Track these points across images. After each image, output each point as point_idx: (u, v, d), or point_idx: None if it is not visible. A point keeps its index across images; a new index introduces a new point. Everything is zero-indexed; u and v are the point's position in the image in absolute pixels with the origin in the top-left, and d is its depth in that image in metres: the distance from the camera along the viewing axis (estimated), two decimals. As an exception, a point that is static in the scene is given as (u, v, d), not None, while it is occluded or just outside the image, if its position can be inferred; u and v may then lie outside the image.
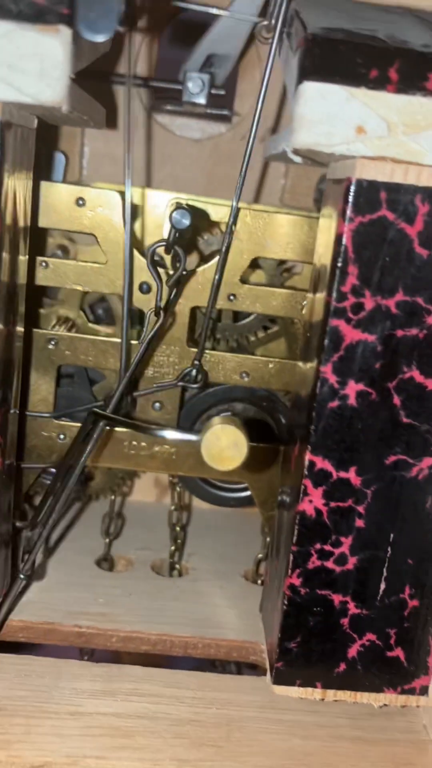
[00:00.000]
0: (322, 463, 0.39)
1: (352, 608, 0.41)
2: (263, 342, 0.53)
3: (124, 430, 0.50)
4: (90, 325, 0.52)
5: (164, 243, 0.45)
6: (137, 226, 0.51)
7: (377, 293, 0.37)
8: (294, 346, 0.53)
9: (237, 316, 0.53)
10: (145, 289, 0.48)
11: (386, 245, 0.37)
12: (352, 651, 0.42)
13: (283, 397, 0.53)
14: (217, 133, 0.61)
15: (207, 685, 0.44)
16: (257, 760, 0.39)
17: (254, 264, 0.51)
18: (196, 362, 0.49)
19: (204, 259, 0.51)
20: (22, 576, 0.46)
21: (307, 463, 0.39)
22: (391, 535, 0.41)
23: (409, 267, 0.37)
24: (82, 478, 0.56)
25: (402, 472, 0.40)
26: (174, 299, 0.48)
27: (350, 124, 0.35)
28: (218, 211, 0.50)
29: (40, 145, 0.44)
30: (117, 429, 0.50)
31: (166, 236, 0.45)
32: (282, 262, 0.52)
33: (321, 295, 0.39)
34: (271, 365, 0.50)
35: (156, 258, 0.46)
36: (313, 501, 0.40)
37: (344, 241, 0.36)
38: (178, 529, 0.58)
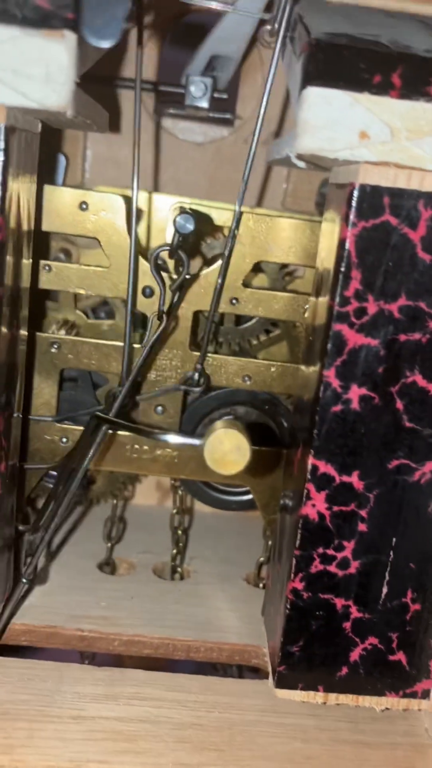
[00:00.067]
0: (325, 467, 0.39)
1: (355, 612, 0.41)
2: (265, 345, 0.53)
3: (126, 433, 0.50)
4: (90, 322, 0.52)
5: (168, 247, 0.45)
6: (140, 229, 0.51)
7: (380, 298, 0.37)
8: (296, 350, 0.53)
9: (239, 319, 0.53)
10: (148, 293, 0.48)
11: (389, 250, 0.37)
12: (355, 655, 0.42)
13: (285, 400, 0.53)
14: (219, 136, 0.61)
15: (209, 688, 0.44)
16: (259, 764, 0.39)
17: (257, 268, 0.51)
18: (198, 366, 0.49)
19: (207, 262, 0.51)
20: (24, 580, 0.46)
21: (310, 467, 0.39)
22: (394, 539, 0.41)
23: (412, 272, 0.37)
24: (84, 482, 0.56)
25: (405, 476, 0.40)
26: (177, 303, 0.48)
27: (354, 129, 0.35)
28: (221, 215, 0.50)
29: (43, 148, 0.44)
30: (119, 432, 0.50)
31: (169, 240, 0.46)
32: (284, 265, 0.52)
33: (324, 300, 0.39)
34: (273, 369, 0.50)
35: (159, 262, 0.46)
36: (316, 505, 0.40)
37: (347, 245, 0.37)
38: (179, 532, 0.58)
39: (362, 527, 0.40)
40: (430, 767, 0.41)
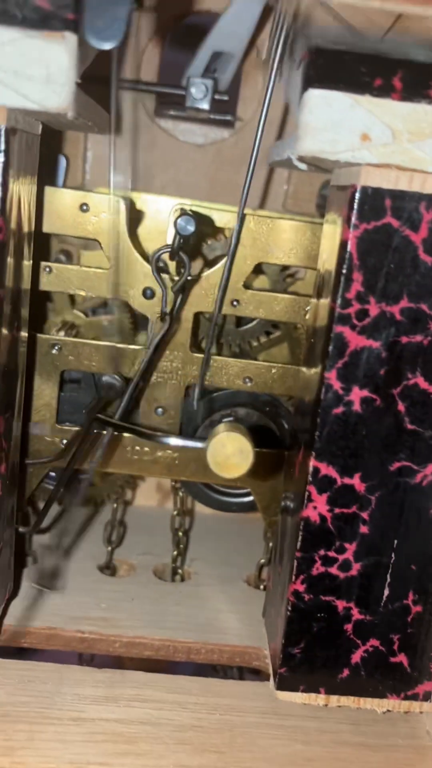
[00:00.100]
0: (327, 469, 0.39)
1: (356, 614, 0.41)
2: (266, 347, 0.53)
3: (126, 435, 0.50)
4: (89, 319, 0.52)
5: (169, 249, 0.45)
6: (141, 231, 0.51)
7: (382, 300, 0.37)
8: (297, 351, 0.53)
9: (240, 321, 0.53)
10: (149, 294, 0.48)
11: (391, 252, 0.37)
12: (356, 657, 0.42)
13: (285, 402, 0.53)
14: (219, 138, 0.61)
15: (210, 690, 0.44)
16: (260, 766, 0.39)
17: (258, 269, 0.51)
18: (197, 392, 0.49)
19: (208, 264, 0.51)
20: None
21: (311, 469, 0.39)
22: (395, 542, 0.41)
23: (414, 274, 0.37)
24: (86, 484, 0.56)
25: (406, 478, 0.40)
26: (181, 305, 0.48)
27: (355, 131, 0.35)
28: (222, 217, 0.50)
29: (44, 149, 0.44)
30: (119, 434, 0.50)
31: (169, 242, 0.45)
32: (285, 267, 0.52)
33: (325, 301, 0.39)
34: (274, 370, 0.50)
35: (160, 264, 0.46)
36: (318, 507, 0.40)
37: (349, 247, 0.37)
38: (180, 534, 0.58)
39: (364, 529, 0.40)
40: (431, 769, 0.41)
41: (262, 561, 0.56)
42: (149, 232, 0.51)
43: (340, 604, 0.41)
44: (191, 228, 0.43)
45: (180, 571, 0.56)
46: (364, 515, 0.40)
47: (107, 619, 0.49)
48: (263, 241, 0.48)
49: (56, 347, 0.49)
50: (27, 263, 0.43)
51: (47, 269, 0.48)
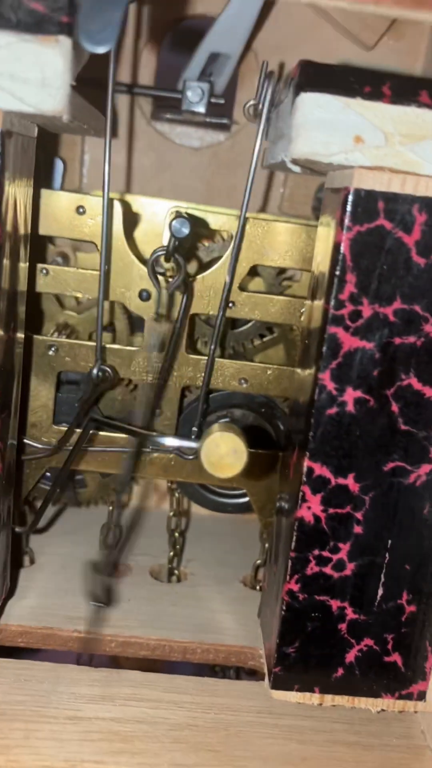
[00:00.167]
0: (321, 470, 0.40)
1: (350, 614, 0.42)
2: (260, 349, 0.54)
3: (122, 435, 0.50)
4: (82, 315, 0.52)
5: (164, 251, 0.45)
6: (137, 233, 0.51)
7: (375, 301, 0.38)
8: (292, 353, 0.53)
9: (235, 323, 0.54)
10: (144, 296, 0.49)
11: (384, 254, 0.37)
12: (350, 656, 0.42)
13: (281, 403, 0.53)
14: (216, 141, 0.61)
15: (205, 690, 0.44)
16: (255, 765, 0.39)
17: (254, 272, 0.51)
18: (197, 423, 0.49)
19: (203, 266, 0.52)
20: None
21: (305, 469, 0.40)
22: (389, 541, 0.41)
23: (407, 275, 0.37)
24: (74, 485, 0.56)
25: (400, 478, 0.40)
26: (187, 305, 0.48)
27: (348, 133, 0.35)
28: (217, 220, 0.50)
29: (40, 152, 0.44)
30: (116, 435, 0.50)
31: (165, 244, 0.46)
32: (282, 271, 0.53)
33: (319, 303, 0.39)
34: (269, 372, 0.50)
35: (156, 266, 0.47)
36: (312, 507, 0.40)
37: (342, 249, 0.37)
38: (176, 534, 0.58)
39: (358, 529, 0.41)
40: (426, 768, 0.41)
41: (258, 562, 0.56)
42: (146, 235, 0.51)
43: (335, 604, 0.41)
44: (186, 230, 0.43)
45: (176, 571, 0.56)
46: (358, 515, 0.40)
47: (104, 619, 0.49)
48: (258, 244, 0.48)
49: (53, 348, 0.49)
50: (23, 265, 0.43)
51: (44, 271, 0.49)
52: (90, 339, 0.52)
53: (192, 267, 0.51)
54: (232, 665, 0.50)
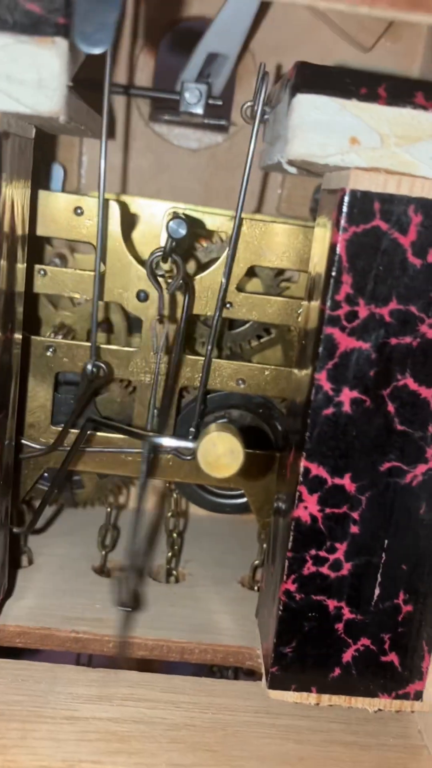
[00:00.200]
0: (317, 470, 0.40)
1: (347, 613, 0.42)
2: (257, 350, 0.54)
3: (120, 436, 0.50)
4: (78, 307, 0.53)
5: (161, 252, 0.45)
6: (135, 235, 0.51)
7: (371, 302, 0.38)
8: (290, 354, 0.53)
9: (232, 323, 0.54)
10: (142, 297, 0.49)
11: (380, 255, 0.37)
12: (347, 656, 0.42)
13: (279, 404, 0.53)
14: (214, 143, 0.61)
15: (203, 690, 0.44)
16: (252, 765, 0.39)
17: (252, 273, 0.52)
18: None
19: (201, 267, 0.52)
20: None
21: (302, 469, 0.40)
22: (386, 541, 0.41)
23: (403, 276, 0.37)
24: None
25: (396, 478, 0.40)
26: (189, 305, 0.48)
27: (344, 135, 0.35)
28: (215, 221, 0.51)
29: (39, 154, 0.44)
30: (114, 435, 0.50)
31: (162, 245, 0.46)
32: (280, 272, 0.53)
33: (316, 304, 0.40)
34: (267, 372, 0.51)
35: (154, 268, 0.47)
36: (308, 507, 0.40)
37: (338, 250, 0.37)
38: (174, 535, 0.58)
39: (354, 529, 0.41)
40: (423, 768, 0.41)
41: (256, 562, 0.56)
42: (144, 236, 0.51)
43: (331, 604, 0.41)
44: (183, 231, 0.43)
45: (174, 572, 0.57)
46: (355, 515, 0.40)
47: (102, 620, 0.49)
48: (256, 245, 0.48)
49: (51, 349, 0.49)
50: (21, 266, 0.43)
51: (42, 272, 0.49)
52: (87, 337, 0.52)
53: (190, 268, 0.52)
54: (230, 665, 0.50)
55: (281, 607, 0.42)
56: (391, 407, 0.39)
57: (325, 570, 0.41)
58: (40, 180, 0.52)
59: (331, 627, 0.42)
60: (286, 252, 0.48)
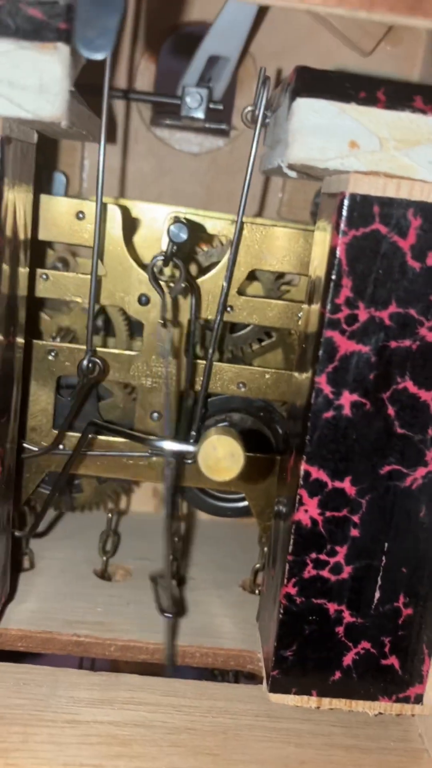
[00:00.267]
0: (317, 473, 0.40)
1: (347, 617, 0.42)
2: (259, 353, 0.54)
3: (122, 440, 0.50)
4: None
5: (162, 256, 0.46)
6: (137, 239, 0.51)
7: (371, 305, 0.38)
8: (291, 357, 0.53)
9: (233, 327, 0.54)
10: (143, 301, 0.49)
11: (379, 258, 0.37)
12: (347, 659, 0.42)
13: (279, 407, 0.53)
14: (215, 147, 0.61)
15: (204, 693, 0.44)
16: (253, 768, 0.40)
17: (252, 276, 0.52)
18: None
19: (202, 271, 0.52)
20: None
21: (302, 473, 0.40)
22: (386, 545, 0.41)
23: (402, 279, 0.37)
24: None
25: (396, 481, 0.40)
26: (197, 309, 0.48)
27: (343, 138, 0.35)
28: (216, 224, 0.51)
29: (41, 159, 0.45)
30: (115, 439, 0.50)
31: (164, 249, 0.46)
32: (280, 275, 0.53)
33: (316, 307, 0.40)
34: (267, 376, 0.51)
35: (156, 272, 0.47)
36: (309, 511, 0.40)
37: (338, 254, 0.37)
38: (176, 539, 0.58)
39: (354, 532, 0.41)
40: (424, 772, 0.41)
41: (257, 566, 0.56)
42: (145, 240, 0.51)
43: (332, 607, 0.41)
44: (184, 235, 0.43)
45: (176, 576, 0.57)
46: (355, 518, 0.40)
47: (103, 623, 0.49)
48: (257, 249, 0.48)
49: (52, 353, 0.49)
50: (23, 270, 0.43)
51: (44, 276, 0.49)
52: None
53: (191, 272, 0.52)
54: (231, 669, 0.50)
55: (282, 611, 0.42)
56: (391, 410, 0.39)
57: (325, 573, 0.41)
58: (42, 185, 0.52)
59: (331, 630, 0.42)
60: (287, 256, 0.49)
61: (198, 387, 0.50)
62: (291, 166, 0.37)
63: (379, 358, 0.38)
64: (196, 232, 0.50)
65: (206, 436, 0.39)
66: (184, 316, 0.49)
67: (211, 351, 0.47)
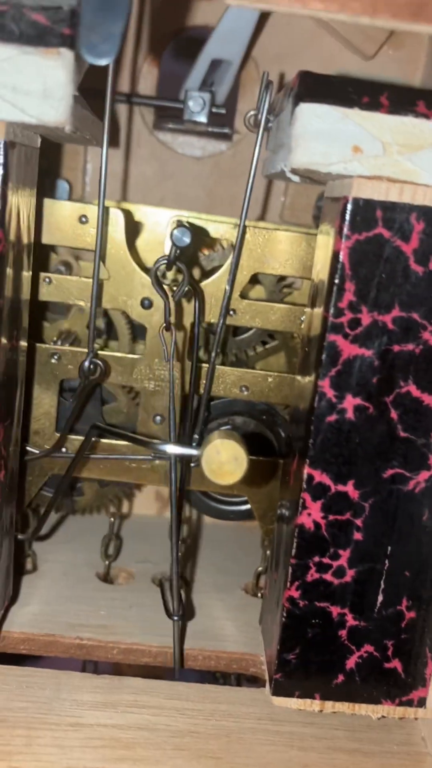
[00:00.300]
0: (321, 477, 0.40)
1: (350, 620, 0.42)
2: (263, 356, 0.54)
3: (125, 443, 0.50)
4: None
5: (166, 260, 0.46)
6: (139, 242, 0.51)
7: (374, 309, 0.38)
8: (293, 360, 0.53)
9: (236, 330, 0.54)
10: (146, 304, 0.49)
11: (382, 262, 0.37)
12: (351, 662, 0.42)
13: (282, 410, 0.53)
14: (217, 151, 0.61)
15: (207, 696, 0.45)
16: (256, 772, 0.40)
17: (254, 280, 0.52)
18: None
19: (205, 275, 0.52)
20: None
21: (305, 476, 0.40)
22: (389, 548, 0.41)
23: (405, 283, 0.38)
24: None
25: (399, 485, 0.40)
26: (200, 313, 0.48)
27: (346, 143, 0.35)
28: (218, 228, 0.51)
29: (44, 163, 0.45)
30: (118, 442, 0.51)
31: (167, 253, 0.46)
32: (282, 278, 0.53)
33: (319, 311, 0.40)
34: (270, 379, 0.51)
35: (159, 276, 0.47)
36: (312, 514, 0.40)
37: (341, 258, 0.37)
38: (179, 542, 0.58)
39: (357, 536, 0.41)
40: (427, 776, 0.41)
41: (260, 569, 0.56)
42: (148, 244, 0.51)
43: (335, 610, 0.42)
44: (187, 239, 0.43)
45: (178, 578, 0.57)
46: (358, 522, 0.40)
47: (106, 627, 0.49)
48: (259, 252, 0.48)
49: (55, 356, 0.50)
50: (26, 274, 0.44)
51: (47, 280, 0.49)
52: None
53: (193, 276, 0.52)
54: (234, 672, 0.50)
55: (285, 614, 0.42)
56: (394, 414, 0.39)
57: (328, 577, 0.41)
58: (45, 189, 0.52)
59: (334, 634, 0.42)
60: (289, 259, 0.49)
61: (201, 390, 0.50)
62: (294, 171, 0.38)
63: (382, 362, 0.38)
64: (199, 235, 0.50)
65: (209, 439, 0.39)
66: (187, 320, 0.49)
67: (213, 354, 0.47)
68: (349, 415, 0.39)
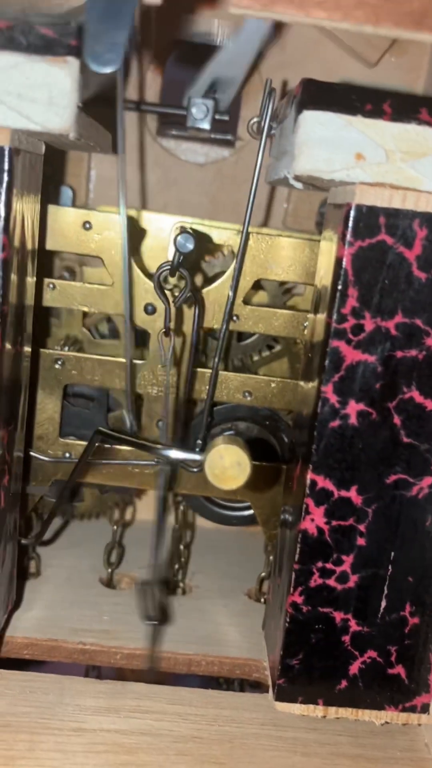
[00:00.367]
0: (324, 482, 0.40)
1: (354, 626, 0.42)
2: (266, 362, 0.54)
3: (128, 448, 0.51)
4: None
5: (169, 266, 0.46)
6: (143, 248, 0.52)
7: (377, 315, 0.38)
8: (296, 366, 0.53)
9: (240, 336, 0.54)
10: (150, 310, 0.49)
11: (385, 268, 0.37)
12: (354, 668, 0.42)
13: (285, 416, 0.53)
14: (220, 157, 0.62)
15: (210, 702, 0.45)
16: (259, 777, 0.40)
17: (258, 286, 0.52)
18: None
19: (208, 281, 0.52)
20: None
21: (308, 482, 0.40)
22: (392, 554, 0.41)
23: (408, 290, 0.38)
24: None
25: (402, 491, 0.40)
26: (200, 319, 0.48)
27: (349, 150, 0.36)
28: (222, 234, 0.51)
29: (49, 170, 0.45)
30: (121, 447, 0.51)
31: (170, 259, 0.46)
32: (284, 283, 0.53)
33: (322, 317, 0.40)
34: (273, 385, 0.51)
35: (162, 282, 0.47)
36: (315, 520, 0.40)
37: (344, 264, 0.37)
38: (181, 547, 0.58)
39: (361, 541, 0.41)
40: (430, 782, 0.41)
41: (263, 574, 0.56)
42: (151, 250, 0.52)
43: (338, 616, 0.42)
44: (190, 246, 0.43)
45: (181, 584, 0.57)
46: (361, 527, 0.41)
47: (109, 631, 0.49)
48: (262, 258, 0.49)
49: (59, 362, 0.50)
50: (30, 280, 0.44)
51: (51, 286, 0.49)
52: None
53: (196, 282, 0.52)
54: (237, 677, 0.50)
55: (288, 620, 0.42)
56: (397, 420, 0.39)
57: (331, 582, 0.41)
58: (49, 195, 0.52)
59: (337, 639, 0.42)
60: (292, 265, 0.49)
61: (203, 395, 0.50)
62: (297, 178, 0.38)
63: (385, 368, 0.39)
64: (202, 242, 0.50)
65: (213, 444, 0.39)
66: (189, 326, 0.50)
67: (216, 359, 0.47)
68: (352, 420, 0.39)
